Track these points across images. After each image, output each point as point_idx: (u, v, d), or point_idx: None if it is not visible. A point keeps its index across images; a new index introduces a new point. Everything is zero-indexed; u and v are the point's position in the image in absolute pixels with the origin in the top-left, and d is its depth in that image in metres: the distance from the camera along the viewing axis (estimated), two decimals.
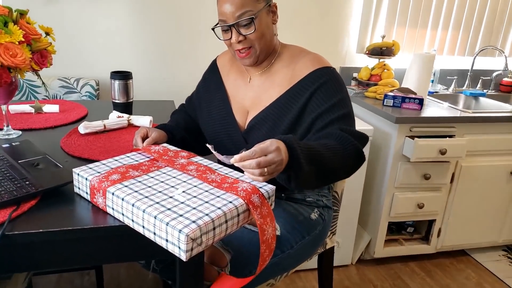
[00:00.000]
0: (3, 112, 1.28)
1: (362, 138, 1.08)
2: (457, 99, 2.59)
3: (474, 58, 2.63)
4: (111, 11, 2.14)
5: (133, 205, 0.80)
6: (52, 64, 1.32)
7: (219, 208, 0.79)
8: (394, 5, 2.47)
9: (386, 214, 2.19)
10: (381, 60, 2.41)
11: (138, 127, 1.44)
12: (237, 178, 0.92)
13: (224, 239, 1.06)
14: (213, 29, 1.13)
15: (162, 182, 0.90)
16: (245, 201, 0.83)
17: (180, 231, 0.72)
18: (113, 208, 0.85)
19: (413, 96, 2.11)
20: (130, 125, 1.50)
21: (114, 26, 2.16)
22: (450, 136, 2.08)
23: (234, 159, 0.83)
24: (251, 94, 1.20)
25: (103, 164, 0.98)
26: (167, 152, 1.05)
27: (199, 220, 0.75)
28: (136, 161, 1.01)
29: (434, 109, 2.17)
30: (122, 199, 0.82)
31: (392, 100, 2.12)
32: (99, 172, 0.92)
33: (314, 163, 0.93)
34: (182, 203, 0.81)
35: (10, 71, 1.14)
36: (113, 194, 0.84)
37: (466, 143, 2.03)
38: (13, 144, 1.14)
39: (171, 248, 0.75)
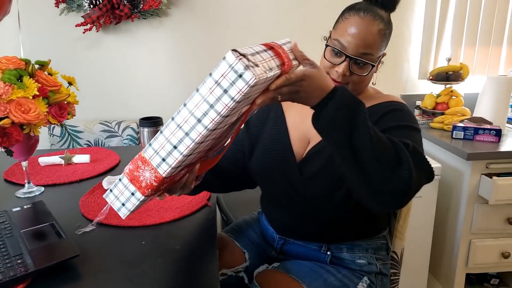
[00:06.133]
0: (24, 169, 1.21)
1: (425, 167, 0.82)
2: None
3: None
4: (152, 52, 2.09)
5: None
6: (75, 115, 1.25)
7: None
8: (461, 23, 2.19)
9: (462, 265, 1.87)
10: (447, 86, 2.13)
11: None
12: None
13: None
14: (326, 45, 1.01)
15: None
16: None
17: (230, 65, 0.64)
18: (163, 159, 0.70)
19: (488, 126, 1.81)
20: None
21: (155, 68, 2.12)
22: None
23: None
24: None
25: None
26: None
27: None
28: None
29: None
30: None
31: (463, 132, 1.84)
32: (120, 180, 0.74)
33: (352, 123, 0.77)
34: None
35: (23, 128, 1.07)
36: (150, 145, 0.71)
37: None
38: (25, 207, 1.05)
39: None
